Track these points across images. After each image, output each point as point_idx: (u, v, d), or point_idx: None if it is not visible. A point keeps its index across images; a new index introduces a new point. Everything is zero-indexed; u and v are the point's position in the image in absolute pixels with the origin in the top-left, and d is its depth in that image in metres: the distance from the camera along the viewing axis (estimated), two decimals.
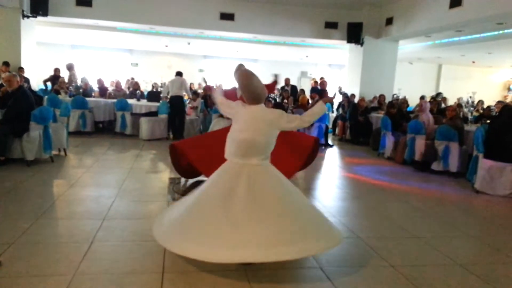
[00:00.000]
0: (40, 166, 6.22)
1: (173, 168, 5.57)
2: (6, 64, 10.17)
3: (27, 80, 10.21)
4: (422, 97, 12.96)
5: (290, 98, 11.51)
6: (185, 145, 5.28)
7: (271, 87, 5.89)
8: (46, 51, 17.77)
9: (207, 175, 4.17)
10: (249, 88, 3.22)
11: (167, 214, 3.38)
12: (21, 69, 10.46)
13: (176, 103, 9.62)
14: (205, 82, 11.72)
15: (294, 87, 13.04)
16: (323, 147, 9.77)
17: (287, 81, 12.85)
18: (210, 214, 2.99)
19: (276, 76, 5.94)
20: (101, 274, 3.00)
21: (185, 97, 10.30)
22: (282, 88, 12.46)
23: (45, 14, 10.90)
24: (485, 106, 11.73)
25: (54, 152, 6.75)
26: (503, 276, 3.40)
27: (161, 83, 15.66)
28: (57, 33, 15.59)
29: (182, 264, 3.17)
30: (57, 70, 11.81)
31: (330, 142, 10.33)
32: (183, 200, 3.49)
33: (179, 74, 9.93)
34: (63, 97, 9.76)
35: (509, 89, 21.45)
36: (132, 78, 14.33)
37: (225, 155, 3.28)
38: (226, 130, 3.49)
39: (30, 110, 6.21)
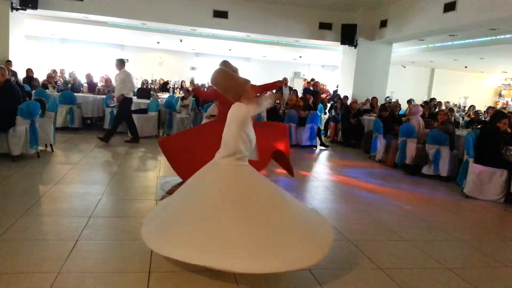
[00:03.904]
0: (26, 161, 6.10)
1: (164, 165, 5.48)
2: None
3: (14, 74, 10.05)
4: (409, 101, 13.01)
5: (282, 99, 11.48)
6: (172, 146, 5.19)
7: (269, 86, 5.84)
8: (35, 44, 17.55)
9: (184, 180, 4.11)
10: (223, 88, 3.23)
11: (155, 213, 3.31)
12: (9, 62, 10.29)
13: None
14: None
15: (290, 88, 13.00)
16: (314, 148, 9.76)
17: (285, 80, 12.61)
18: (200, 217, 2.92)
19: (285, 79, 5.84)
20: (87, 272, 2.94)
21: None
22: (277, 90, 12.40)
23: (34, 7, 10.73)
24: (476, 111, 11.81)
25: (40, 147, 6.63)
26: (491, 280, 3.40)
27: (152, 80, 15.52)
28: (47, 26, 15.37)
29: (169, 264, 3.11)
30: (29, 71, 11.49)
31: (325, 143, 10.30)
32: (171, 199, 3.41)
33: (123, 64, 8.36)
34: (51, 91, 9.61)
35: (500, 95, 21.72)
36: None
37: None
38: (211, 125, 3.43)
39: (17, 104, 6.08)
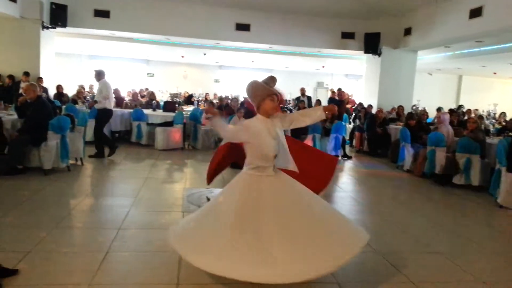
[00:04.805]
0: (57, 175, 6.25)
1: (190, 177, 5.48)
2: (26, 74, 10.37)
3: (45, 90, 10.37)
4: (439, 109, 12.75)
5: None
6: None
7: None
8: (65, 61, 18.11)
9: None
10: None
11: (185, 223, 3.30)
12: (40, 79, 10.65)
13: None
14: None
15: (309, 98, 12.99)
16: (340, 158, 9.65)
17: (302, 90, 12.79)
18: (233, 228, 2.87)
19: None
20: (116, 284, 2.97)
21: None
22: (298, 98, 12.42)
23: (64, 25, 11.14)
24: (507, 118, 11.47)
25: (71, 161, 6.80)
26: None
27: (177, 93, 15.75)
28: (75, 43, 15.91)
29: (197, 276, 3.10)
30: (59, 87, 11.90)
31: (348, 153, 10.17)
32: (202, 209, 3.41)
33: (102, 75, 8.63)
34: (80, 107, 9.86)
35: None
36: (147, 89, 14.47)
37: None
38: None
39: (48, 120, 6.27)
